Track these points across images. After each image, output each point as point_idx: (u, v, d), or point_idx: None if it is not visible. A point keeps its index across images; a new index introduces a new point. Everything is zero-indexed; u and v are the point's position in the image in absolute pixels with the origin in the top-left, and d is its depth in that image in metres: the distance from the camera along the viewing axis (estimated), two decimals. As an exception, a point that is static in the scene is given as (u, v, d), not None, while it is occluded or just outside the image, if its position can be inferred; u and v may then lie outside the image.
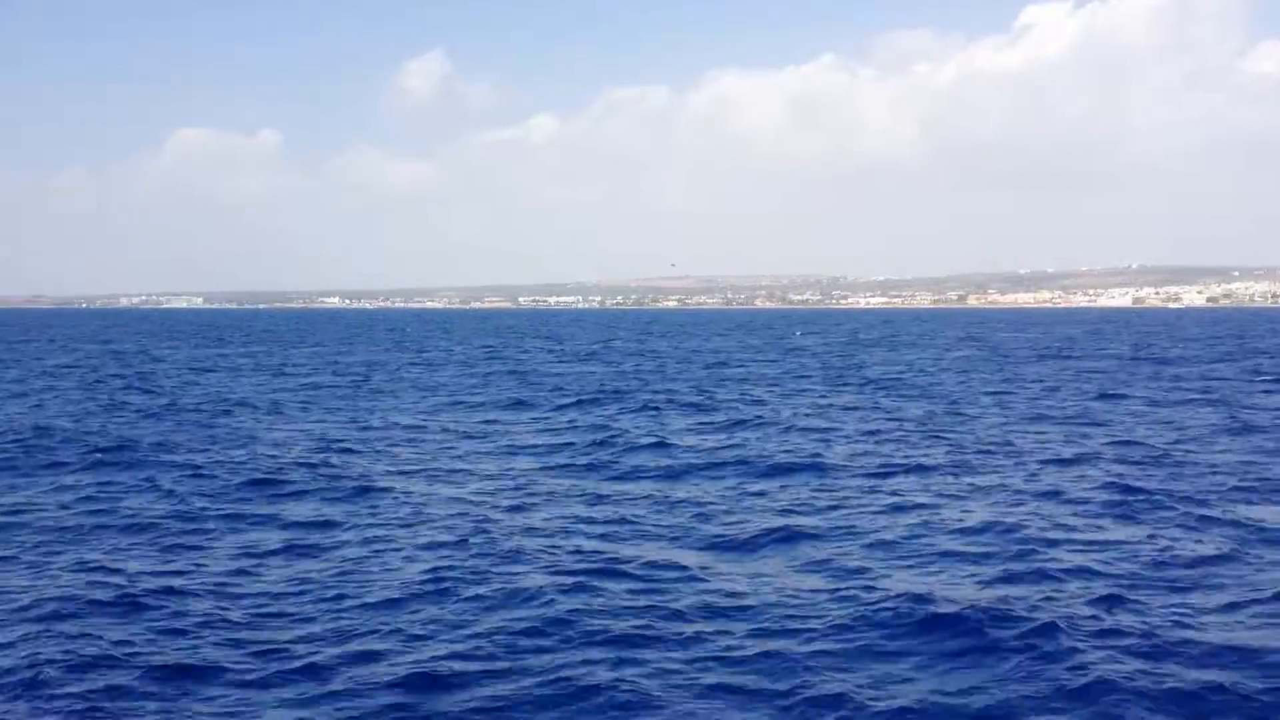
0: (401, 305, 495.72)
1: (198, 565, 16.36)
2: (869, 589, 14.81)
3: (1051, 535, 17.82)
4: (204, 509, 20.22)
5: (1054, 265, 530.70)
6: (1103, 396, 41.28)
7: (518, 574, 15.47)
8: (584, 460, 26.49)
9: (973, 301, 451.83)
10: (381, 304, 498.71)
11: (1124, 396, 41.31)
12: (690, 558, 16.67)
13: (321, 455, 26.70)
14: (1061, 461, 25.49)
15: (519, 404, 40.05)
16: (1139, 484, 22.00)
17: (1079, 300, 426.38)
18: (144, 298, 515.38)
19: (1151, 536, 17.64)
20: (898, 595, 14.28)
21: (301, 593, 14.89)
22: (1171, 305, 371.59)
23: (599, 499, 21.47)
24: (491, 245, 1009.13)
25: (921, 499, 21.01)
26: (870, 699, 11.23)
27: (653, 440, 29.14)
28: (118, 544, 17.65)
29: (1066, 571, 15.62)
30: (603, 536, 18.17)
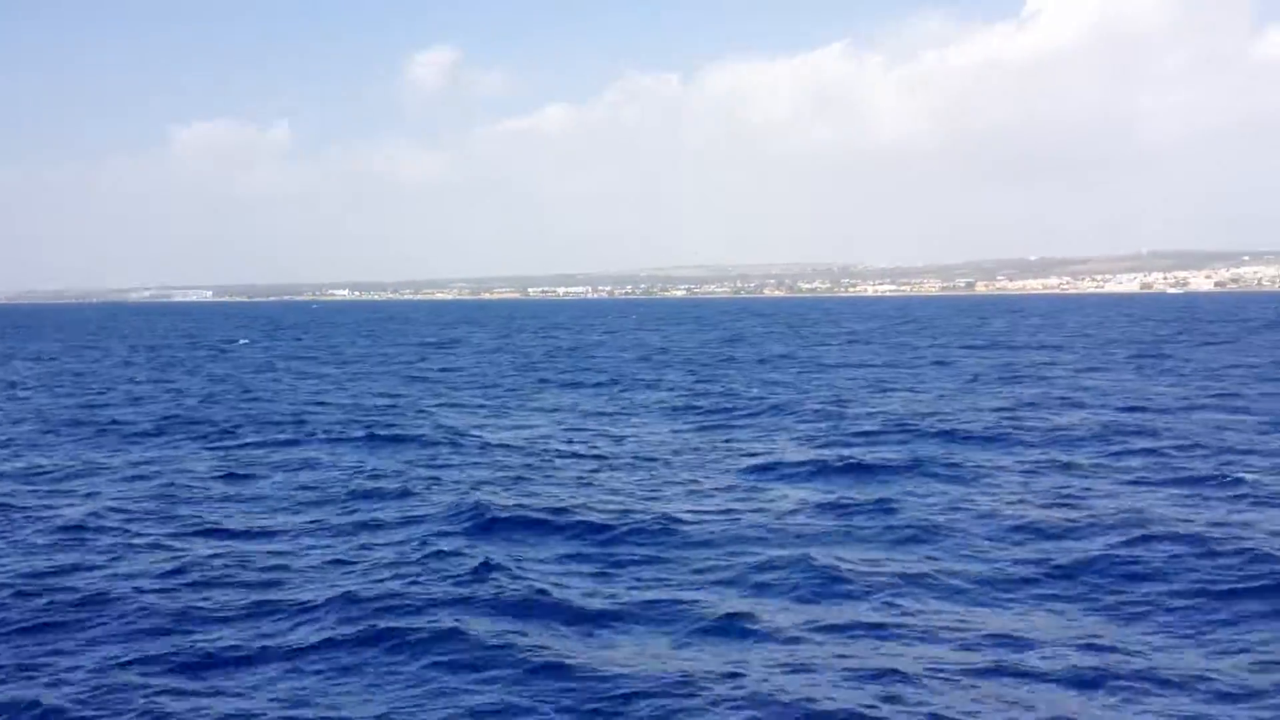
0: (411, 297, 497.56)
1: None
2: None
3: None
4: None
5: (1063, 251, 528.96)
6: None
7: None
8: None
9: (981, 288, 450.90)
10: (391, 296, 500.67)
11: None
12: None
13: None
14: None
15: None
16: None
17: (1087, 286, 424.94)
18: (153, 291, 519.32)
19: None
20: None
21: None
22: (1172, 290, 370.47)
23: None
24: (502, 236, 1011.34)
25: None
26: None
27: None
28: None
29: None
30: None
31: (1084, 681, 11.10)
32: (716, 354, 63.74)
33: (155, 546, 16.65)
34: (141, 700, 10.93)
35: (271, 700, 11.03)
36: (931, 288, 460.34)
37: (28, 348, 78.95)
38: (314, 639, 12.57)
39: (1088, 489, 20.22)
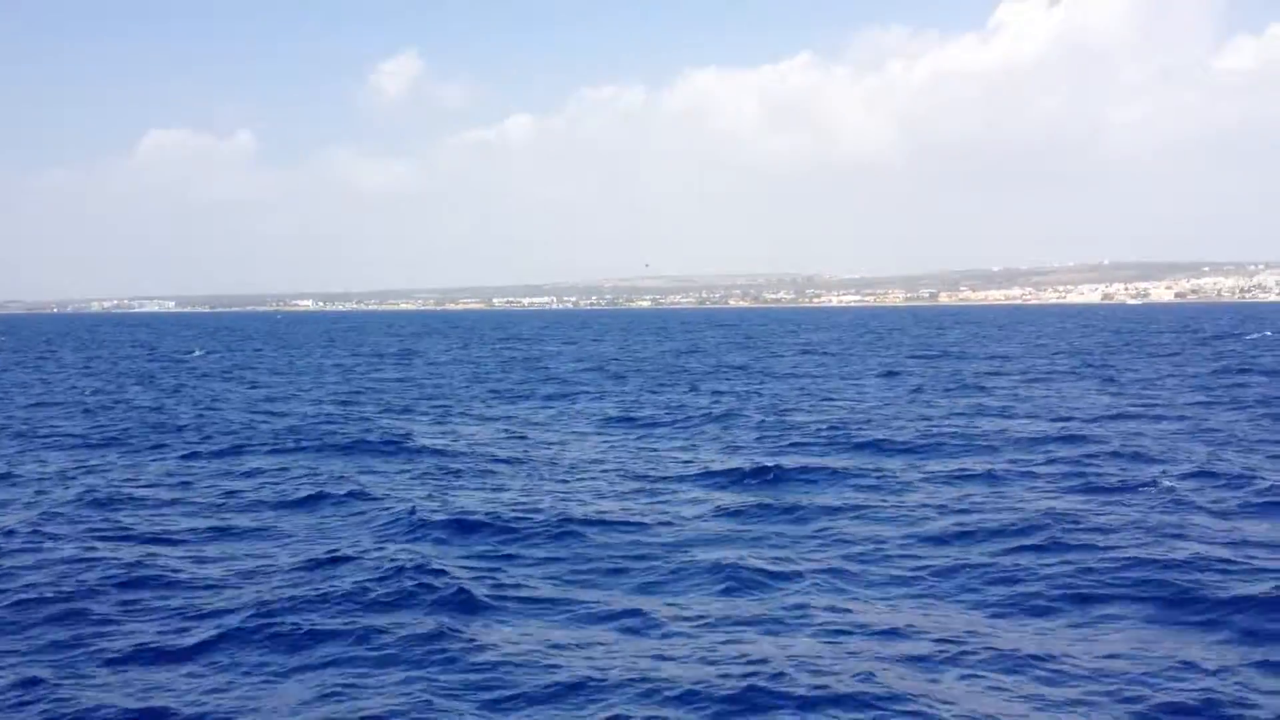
0: (376, 307, 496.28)
1: None
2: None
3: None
4: None
5: (1027, 262, 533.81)
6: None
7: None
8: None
9: (944, 299, 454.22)
10: (355, 306, 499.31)
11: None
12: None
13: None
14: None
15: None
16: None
17: (1049, 297, 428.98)
18: (115, 302, 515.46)
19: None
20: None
21: None
22: (1132, 301, 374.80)
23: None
24: (467, 246, 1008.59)
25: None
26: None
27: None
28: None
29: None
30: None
31: (943, 667, 11.92)
32: (671, 365, 64.47)
33: (81, 550, 17.05)
34: (49, 700, 11.37)
35: (178, 699, 11.49)
36: (896, 298, 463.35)
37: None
38: (226, 639, 13.06)
39: (998, 495, 20.94)
